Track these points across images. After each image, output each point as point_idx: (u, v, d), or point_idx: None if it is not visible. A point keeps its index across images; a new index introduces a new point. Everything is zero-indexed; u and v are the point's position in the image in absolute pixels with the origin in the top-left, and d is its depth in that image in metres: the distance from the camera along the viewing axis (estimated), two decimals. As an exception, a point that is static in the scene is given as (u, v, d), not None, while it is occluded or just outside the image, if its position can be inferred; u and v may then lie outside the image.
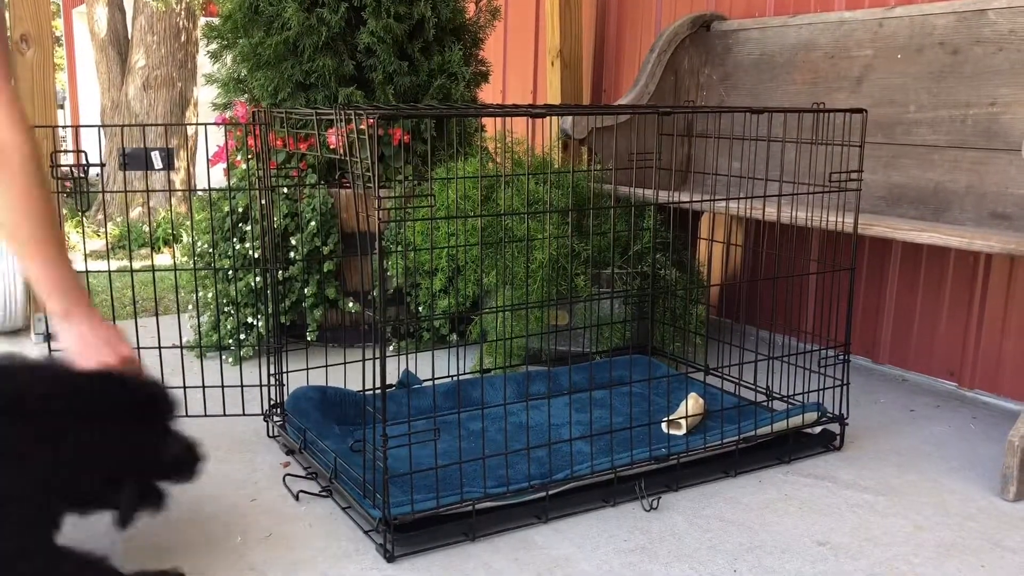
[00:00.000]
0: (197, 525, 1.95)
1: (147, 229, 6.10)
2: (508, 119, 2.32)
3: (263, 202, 2.44)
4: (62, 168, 2.29)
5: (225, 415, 2.50)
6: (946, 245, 2.20)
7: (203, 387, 2.51)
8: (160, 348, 2.45)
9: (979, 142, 2.58)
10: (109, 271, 2.49)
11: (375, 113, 1.75)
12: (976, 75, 2.59)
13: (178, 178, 7.15)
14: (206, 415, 2.49)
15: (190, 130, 7.24)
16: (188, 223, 3.21)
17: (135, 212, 6.90)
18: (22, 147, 1.48)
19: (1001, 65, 2.53)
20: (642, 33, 3.95)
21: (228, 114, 3.29)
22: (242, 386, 2.50)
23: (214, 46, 3.28)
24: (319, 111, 1.95)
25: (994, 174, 2.53)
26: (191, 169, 7.26)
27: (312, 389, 2.39)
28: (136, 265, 5.28)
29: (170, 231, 5.92)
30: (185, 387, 2.47)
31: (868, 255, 3.09)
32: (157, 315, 2.60)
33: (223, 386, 2.51)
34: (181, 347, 2.62)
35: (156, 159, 2.99)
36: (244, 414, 2.48)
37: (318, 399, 2.36)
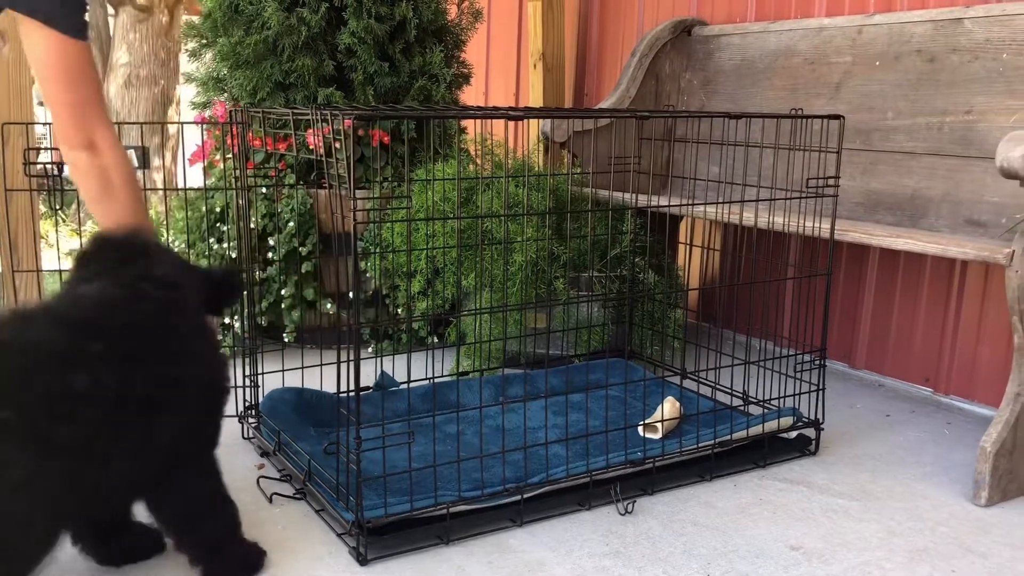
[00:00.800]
0: (168, 527, 1.93)
1: (127, 228, 6.04)
2: (490, 121, 2.32)
3: (240, 202, 2.42)
4: (36, 166, 2.27)
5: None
6: (922, 252, 2.21)
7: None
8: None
9: (955, 149, 2.59)
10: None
11: (351, 113, 1.74)
12: (952, 83, 2.61)
13: (160, 177, 7.11)
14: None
15: (172, 128, 7.19)
16: (177, 223, 3.18)
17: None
18: (121, 166, 1.78)
19: (977, 73, 2.55)
20: (624, 37, 3.96)
21: (208, 113, 3.27)
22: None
23: (193, 44, 3.26)
24: (295, 111, 1.94)
25: (970, 181, 2.55)
26: (174, 168, 7.21)
27: (288, 391, 2.37)
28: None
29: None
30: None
31: (846, 260, 3.10)
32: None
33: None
34: None
35: (131, 158, 2.95)
36: (219, 415, 2.46)
37: (293, 401, 2.34)
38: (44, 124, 2.44)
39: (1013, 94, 2.46)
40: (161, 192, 6.73)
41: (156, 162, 7.11)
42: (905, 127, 2.73)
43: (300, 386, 2.41)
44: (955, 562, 1.86)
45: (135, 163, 1.98)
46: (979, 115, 2.54)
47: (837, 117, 2.26)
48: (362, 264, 2.97)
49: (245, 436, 2.40)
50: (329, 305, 3.04)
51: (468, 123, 3.63)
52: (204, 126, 3.14)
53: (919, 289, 2.91)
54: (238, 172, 2.35)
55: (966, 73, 2.58)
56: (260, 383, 2.37)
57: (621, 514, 2.02)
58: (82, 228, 6.65)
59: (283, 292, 2.97)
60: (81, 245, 1.61)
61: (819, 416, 2.39)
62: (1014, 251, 1.99)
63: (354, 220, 1.71)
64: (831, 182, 2.27)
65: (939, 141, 2.64)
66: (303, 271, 2.97)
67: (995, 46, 2.51)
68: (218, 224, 2.98)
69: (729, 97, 3.29)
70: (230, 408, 2.43)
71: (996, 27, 2.52)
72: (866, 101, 2.84)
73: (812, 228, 2.36)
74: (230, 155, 2.63)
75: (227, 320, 2.96)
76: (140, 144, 6.14)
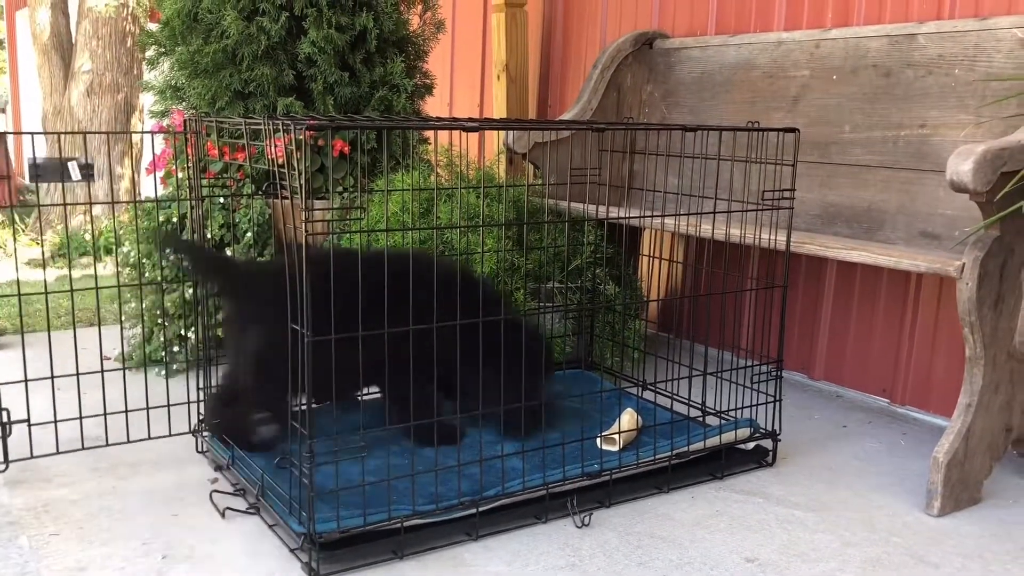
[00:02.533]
0: (118, 542, 1.89)
1: (89, 238, 5.97)
2: (454, 132, 2.31)
3: (197, 212, 2.39)
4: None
5: (150, 438, 2.40)
6: (875, 264, 2.23)
7: (126, 411, 2.39)
8: (104, 371, 2.37)
9: (910, 163, 2.63)
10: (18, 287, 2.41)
11: (303, 124, 1.73)
12: (907, 97, 2.65)
13: (122, 186, 7.03)
14: (129, 441, 2.39)
15: (135, 137, 7.11)
16: (130, 233, 3.14)
17: (76, 220, 6.76)
18: None
19: (931, 88, 2.59)
20: (587, 49, 3.97)
21: (165, 122, 3.24)
22: (168, 406, 2.41)
23: (151, 52, 3.23)
24: (248, 121, 1.92)
25: (924, 194, 2.58)
26: (137, 177, 7.13)
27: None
28: (75, 275, 5.15)
29: (112, 240, 5.80)
30: (106, 412, 2.39)
31: (805, 272, 3.13)
32: (73, 329, 2.52)
33: (147, 408, 2.39)
34: (101, 368, 2.47)
35: (73, 170, 2.87)
36: (171, 434, 2.41)
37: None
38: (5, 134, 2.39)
39: (964, 109, 2.50)
40: (126, 203, 6.66)
41: (119, 171, 7.03)
42: (861, 140, 2.76)
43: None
44: (907, 572, 1.87)
45: (76, 176, 1.91)
46: (932, 129, 2.58)
47: (792, 130, 2.28)
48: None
49: (199, 450, 2.36)
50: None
51: (430, 133, 3.62)
52: (162, 135, 3.10)
53: (876, 301, 2.94)
54: (192, 182, 2.32)
55: (920, 88, 2.62)
56: (215, 396, 2.33)
57: (578, 527, 2.01)
58: (42, 237, 6.54)
59: (241, 303, 2.93)
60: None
61: (776, 427, 2.40)
62: (964, 264, 2.02)
63: (305, 232, 1.69)
64: (787, 195, 2.29)
65: (894, 154, 2.67)
66: (262, 282, 2.94)
67: (947, 62, 2.55)
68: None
69: (690, 109, 3.31)
70: (185, 422, 2.40)
71: (948, 43, 2.55)
72: (824, 114, 2.87)
73: (769, 240, 2.38)
74: (187, 165, 2.59)
75: (182, 332, 2.92)
76: (84, 158, 6.02)
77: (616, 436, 2.30)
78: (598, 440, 2.33)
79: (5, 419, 2.17)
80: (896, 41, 2.70)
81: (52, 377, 2.24)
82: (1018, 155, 1.99)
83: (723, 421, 2.40)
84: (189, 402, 2.40)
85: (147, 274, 2.98)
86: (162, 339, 2.92)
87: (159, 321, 2.95)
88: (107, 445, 2.34)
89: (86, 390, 2.37)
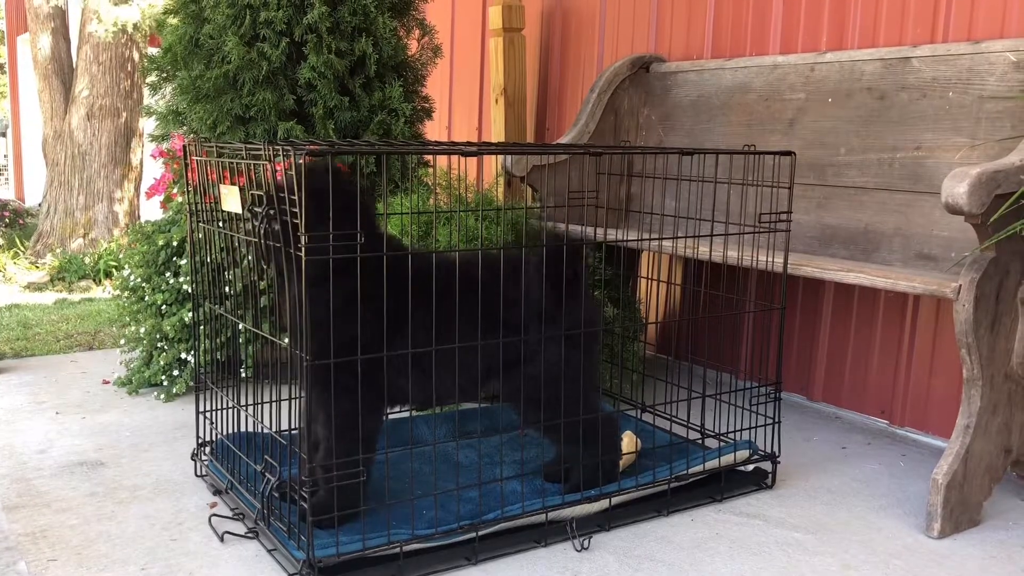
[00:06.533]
0: (116, 567, 1.88)
1: (88, 261, 5.99)
2: (452, 156, 2.32)
3: (198, 236, 2.40)
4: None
5: (149, 462, 2.42)
6: (872, 285, 2.24)
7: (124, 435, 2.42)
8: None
9: (905, 185, 2.64)
10: None
11: (303, 149, 1.74)
12: (902, 120, 2.67)
13: (122, 209, 7.05)
14: (127, 465, 2.42)
15: (135, 160, 7.14)
16: (128, 255, 3.15)
17: (76, 243, 6.78)
18: None
19: (925, 111, 2.61)
20: (584, 73, 4.00)
21: (166, 146, 3.25)
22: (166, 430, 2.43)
23: (153, 78, 3.25)
24: (248, 146, 1.94)
25: (920, 216, 2.60)
26: (136, 200, 7.16)
27: (241, 434, 2.33)
28: (75, 298, 5.16)
29: (112, 263, 5.82)
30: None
31: (803, 294, 3.14)
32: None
33: (146, 432, 2.42)
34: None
35: None
36: (170, 458, 2.41)
37: (246, 441, 2.31)
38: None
39: (959, 131, 2.52)
40: (123, 226, 6.65)
41: (118, 194, 7.06)
42: (857, 163, 2.78)
43: (254, 424, 2.38)
44: (908, 595, 1.87)
45: None
46: (928, 151, 2.60)
47: (788, 153, 2.30)
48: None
49: (198, 474, 2.36)
50: (286, 340, 3.01)
51: (429, 157, 3.64)
52: (162, 160, 3.12)
53: (874, 322, 2.94)
54: (193, 206, 2.33)
55: (915, 110, 2.64)
56: (214, 419, 2.33)
57: (577, 551, 2.00)
58: (39, 260, 6.56)
59: (240, 327, 2.94)
60: None
61: (775, 449, 2.40)
62: (961, 285, 2.03)
63: (304, 255, 1.70)
64: (784, 217, 2.30)
65: (890, 176, 2.69)
66: (260, 305, 2.95)
67: (941, 85, 2.57)
68: (175, 258, 2.95)
69: (687, 132, 3.33)
70: (186, 444, 2.40)
71: (942, 66, 2.58)
72: (819, 137, 2.89)
73: (767, 262, 2.39)
74: (186, 189, 2.61)
75: (183, 355, 2.92)
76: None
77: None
78: (597, 463, 2.32)
79: None
80: (890, 64, 2.72)
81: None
82: (1012, 177, 2.01)
83: (722, 443, 2.40)
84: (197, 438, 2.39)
85: (146, 298, 2.98)
86: (161, 363, 2.93)
87: (158, 345, 2.95)
88: (105, 469, 2.34)
89: (85, 414, 2.37)
